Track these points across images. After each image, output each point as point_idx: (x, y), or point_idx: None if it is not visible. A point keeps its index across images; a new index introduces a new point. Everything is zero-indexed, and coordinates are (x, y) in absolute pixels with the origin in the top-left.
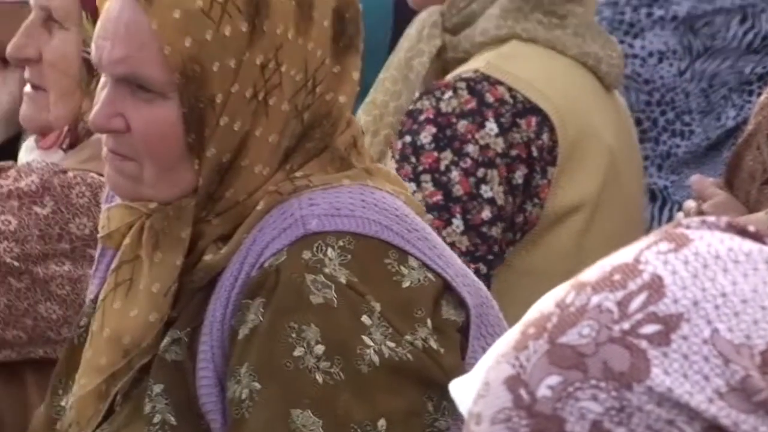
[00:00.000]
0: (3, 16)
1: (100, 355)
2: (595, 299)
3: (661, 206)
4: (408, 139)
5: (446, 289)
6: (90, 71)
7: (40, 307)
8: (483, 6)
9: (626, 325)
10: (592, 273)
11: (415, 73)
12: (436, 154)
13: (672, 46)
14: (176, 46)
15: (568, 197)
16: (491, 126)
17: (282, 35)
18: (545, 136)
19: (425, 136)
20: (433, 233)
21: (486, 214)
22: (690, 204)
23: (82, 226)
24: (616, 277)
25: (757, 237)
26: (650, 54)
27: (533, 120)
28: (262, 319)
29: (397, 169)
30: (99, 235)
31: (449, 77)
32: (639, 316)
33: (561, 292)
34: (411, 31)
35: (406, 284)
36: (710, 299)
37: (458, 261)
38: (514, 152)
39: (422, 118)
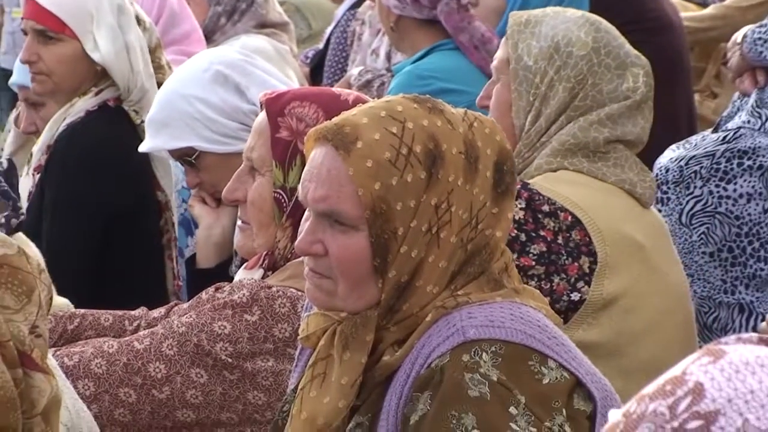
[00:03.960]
0: (217, 165)
1: None
2: (651, 406)
3: (747, 317)
4: None
5: (578, 385)
6: (280, 208)
7: (248, 395)
8: (541, 153)
9: (676, 424)
10: (650, 387)
11: None
12: None
13: (758, 189)
14: (368, 189)
15: (614, 286)
16: (520, 202)
17: (453, 182)
18: (575, 233)
19: None
20: (568, 340)
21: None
22: (764, 326)
23: (283, 330)
24: (668, 387)
25: None
26: (740, 196)
27: (570, 217)
28: (429, 408)
29: None
30: (299, 337)
31: None
32: (685, 415)
33: (627, 405)
34: None
35: (545, 381)
36: (741, 396)
37: (588, 362)
38: (542, 232)
39: None
